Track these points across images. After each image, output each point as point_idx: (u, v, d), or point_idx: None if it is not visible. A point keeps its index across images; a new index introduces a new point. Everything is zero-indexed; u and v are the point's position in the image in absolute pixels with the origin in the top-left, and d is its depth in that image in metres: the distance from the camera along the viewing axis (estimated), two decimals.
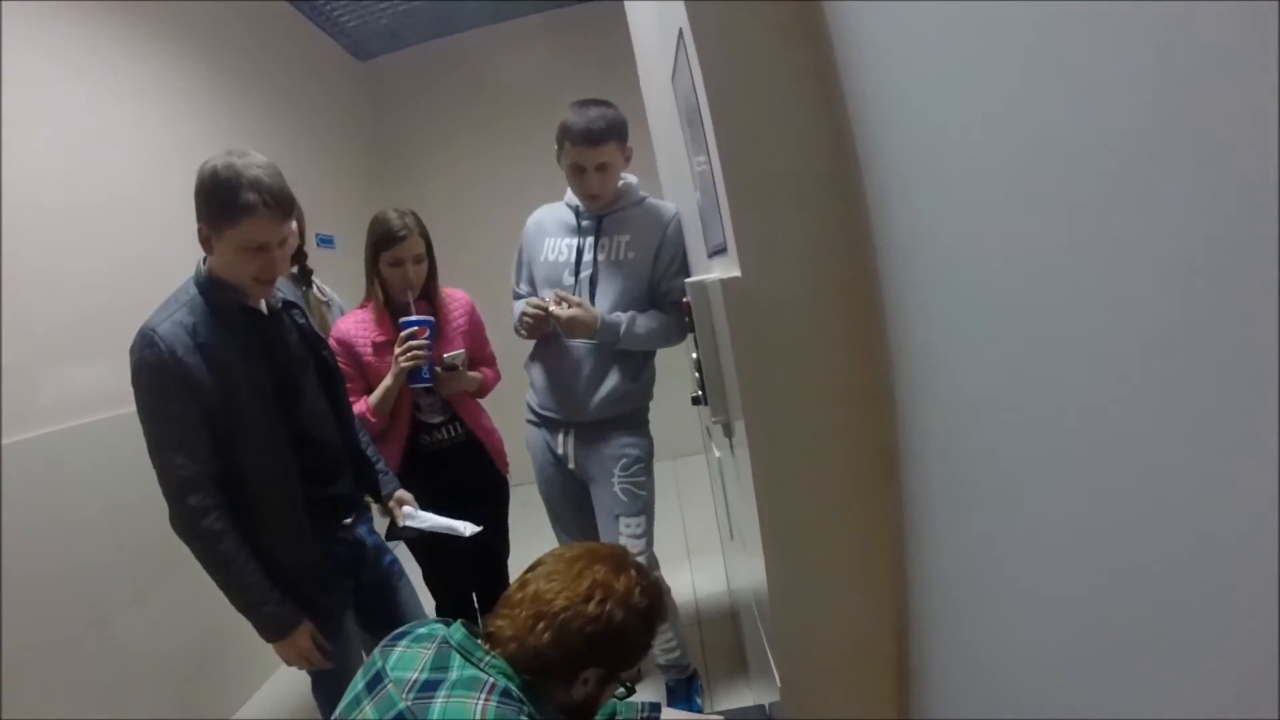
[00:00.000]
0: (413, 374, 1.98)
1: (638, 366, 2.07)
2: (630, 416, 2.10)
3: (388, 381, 1.99)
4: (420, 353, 1.95)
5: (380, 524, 1.96)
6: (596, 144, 1.90)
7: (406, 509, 1.87)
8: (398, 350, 1.95)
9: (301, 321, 1.71)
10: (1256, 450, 0.30)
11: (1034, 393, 0.51)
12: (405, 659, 1.11)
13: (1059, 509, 0.50)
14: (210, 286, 1.51)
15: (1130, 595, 0.43)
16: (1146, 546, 0.40)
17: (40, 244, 2.25)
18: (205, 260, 1.53)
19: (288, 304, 1.69)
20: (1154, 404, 0.37)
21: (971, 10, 0.48)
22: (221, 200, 1.41)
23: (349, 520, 1.77)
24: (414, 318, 1.98)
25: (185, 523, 1.47)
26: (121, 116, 2.71)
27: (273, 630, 1.54)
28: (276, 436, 1.56)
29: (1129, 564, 0.42)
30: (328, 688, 1.66)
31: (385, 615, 1.78)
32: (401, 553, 2.06)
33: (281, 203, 1.45)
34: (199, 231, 1.47)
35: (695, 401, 1.35)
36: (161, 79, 2.97)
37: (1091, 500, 0.45)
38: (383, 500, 1.90)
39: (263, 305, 1.60)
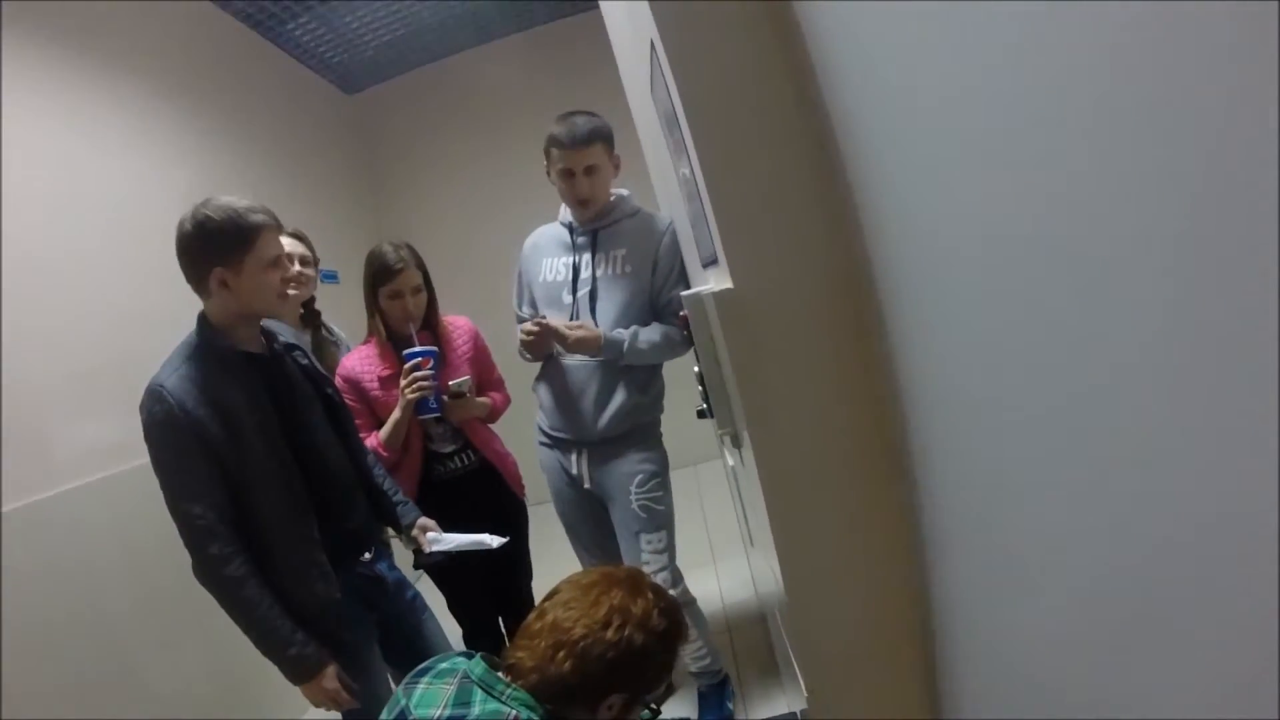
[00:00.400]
0: (420, 405, 1.98)
1: (646, 380, 2.06)
2: (642, 430, 2.09)
3: (396, 414, 1.99)
4: (425, 383, 1.95)
5: (403, 558, 1.96)
6: (583, 145, 1.90)
7: (430, 535, 1.87)
8: (403, 382, 1.95)
9: (305, 363, 1.73)
10: (1259, 442, 0.29)
11: (1031, 386, 0.50)
12: (428, 696, 1.11)
13: (1065, 500, 0.50)
14: (213, 335, 1.54)
15: (1144, 585, 0.42)
16: (1157, 536, 0.40)
17: (34, 298, 2.25)
18: (203, 313, 1.57)
19: (289, 346, 1.71)
20: (1153, 393, 0.37)
21: (955, 8, 0.47)
22: (234, 231, 1.47)
23: (368, 556, 1.77)
24: (417, 349, 1.98)
25: (208, 571, 1.49)
26: (110, 165, 2.71)
27: (299, 673, 1.54)
28: (289, 476, 1.58)
29: (1140, 554, 0.42)
30: (358, 716, 1.67)
31: (409, 649, 1.78)
32: (425, 586, 2.05)
33: (274, 215, 1.54)
34: (211, 282, 1.50)
35: (701, 415, 1.34)
36: (150, 127, 2.98)
37: (1098, 490, 0.45)
38: (405, 530, 1.89)
39: (261, 348, 1.63)
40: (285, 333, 1.74)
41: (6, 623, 1.91)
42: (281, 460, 1.57)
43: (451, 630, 2.22)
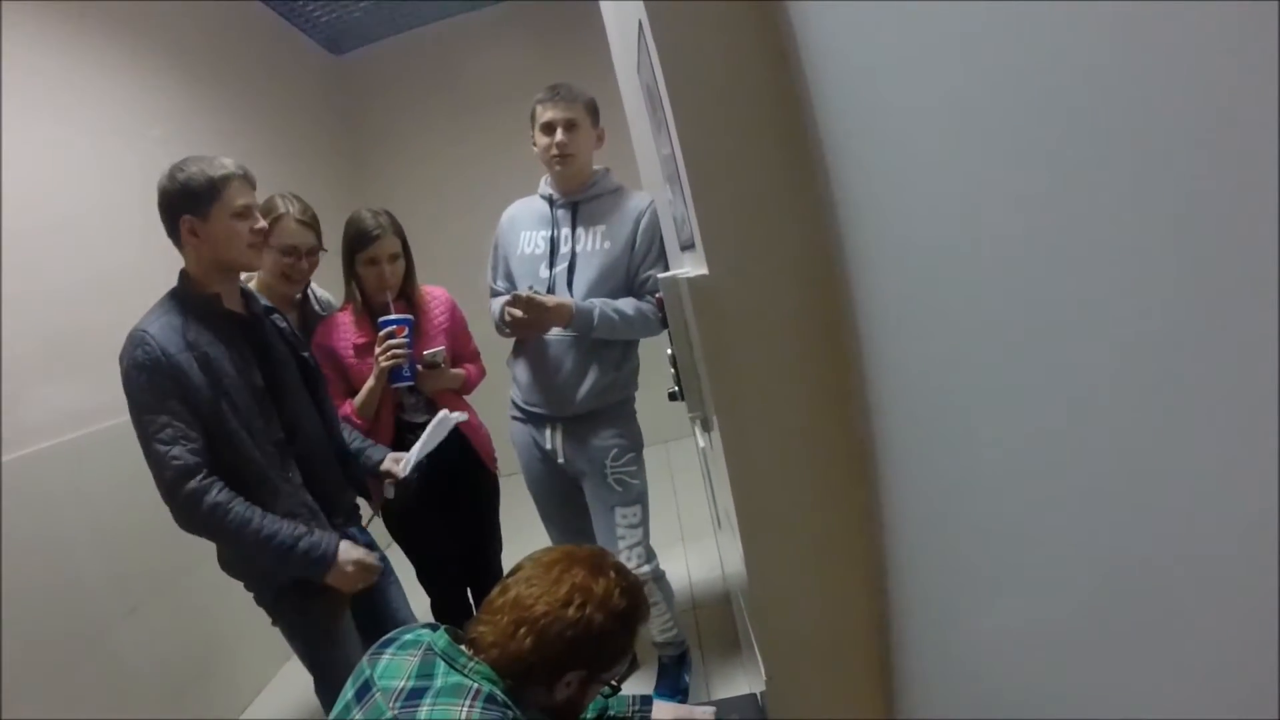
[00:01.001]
0: (393, 373, 1.97)
1: (620, 357, 2.07)
2: (616, 408, 2.10)
3: (370, 383, 1.99)
4: (399, 351, 1.94)
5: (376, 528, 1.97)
6: (565, 101, 1.92)
7: (393, 457, 1.91)
8: (378, 350, 1.94)
9: (282, 325, 1.75)
10: (1245, 445, 0.29)
11: (996, 385, 0.51)
12: (391, 667, 1.12)
13: (1024, 499, 0.51)
14: (192, 286, 1.58)
15: (1101, 586, 0.43)
16: (1116, 537, 0.40)
17: (16, 261, 2.21)
18: (184, 268, 1.60)
19: (268, 309, 1.73)
20: (1120, 392, 0.37)
21: (935, 5, 0.47)
22: (203, 182, 1.52)
23: (339, 521, 1.77)
24: (392, 316, 1.97)
25: (189, 508, 1.49)
26: (88, 125, 2.66)
27: (319, 561, 1.58)
28: (270, 427, 1.61)
29: (1098, 554, 0.42)
30: (331, 687, 1.67)
31: (373, 615, 1.80)
32: (394, 555, 2.06)
33: (246, 169, 1.60)
34: (181, 229, 1.55)
35: (673, 398, 1.35)
36: (133, 84, 2.91)
37: (1058, 490, 0.46)
38: (379, 472, 1.92)
39: (242, 308, 1.66)
40: (263, 299, 1.77)
41: None
42: (264, 411, 1.60)
43: (420, 601, 2.24)
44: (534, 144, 2.02)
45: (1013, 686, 0.61)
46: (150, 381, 1.47)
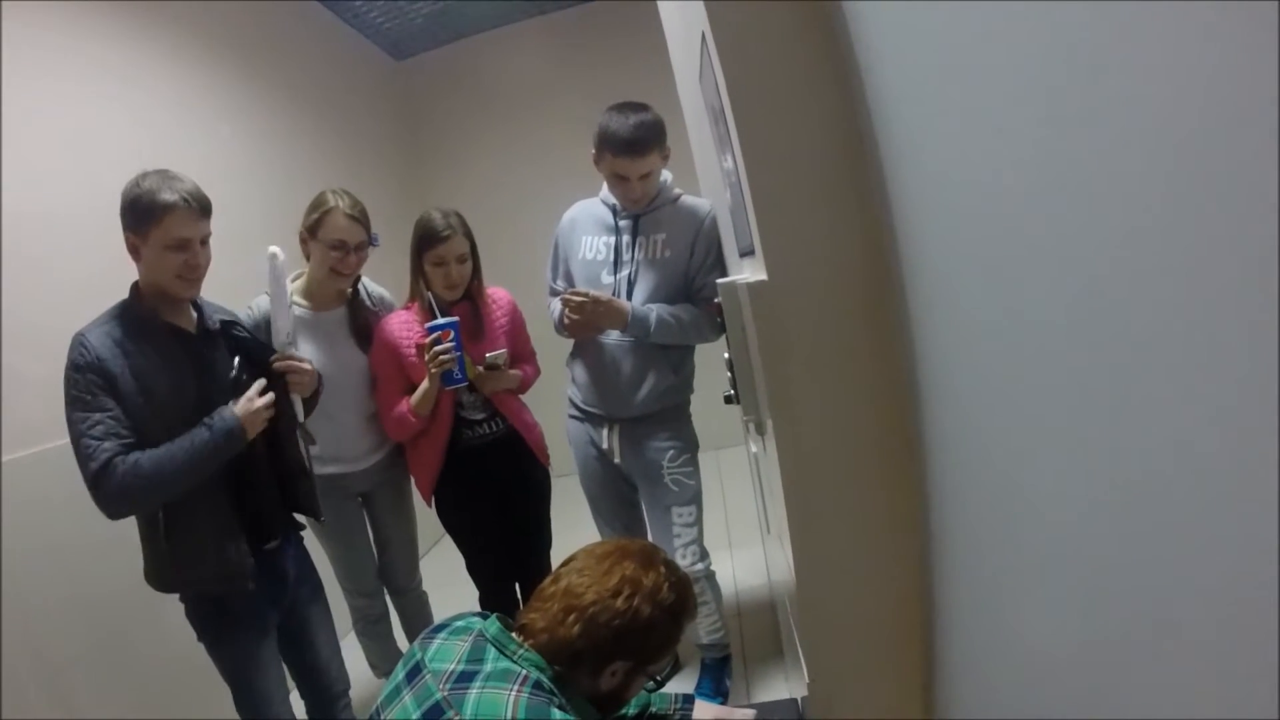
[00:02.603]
0: (445, 376, 2.01)
1: (678, 361, 2.11)
2: (673, 411, 2.14)
3: (425, 385, 2.04)
4: (446, 357, 1.98)
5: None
6: (640, 155, 1.92)
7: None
8: (426, 357, 1.99)
9: (243, 335, 1.77)
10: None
11: (1049, 391, 0.52)
12: (443, 651, 1.16)
13: (1074, 504, 0.51)
14: (137, 299, 1.62)
15: (1149, 590, 0.43)
16: (1166, 540, 0.40)
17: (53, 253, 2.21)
18: (135, 280, 1.64)
19: (226, 324, 1.75)
20: (1170, 398, 0.37)
21: (997, 10, 0.48)
22: (147, 205, 1.53)
23: (272, 545, 1.78)
24: (439, 321, 2.00)
25: (105, 483, 1.48)
26: (156, 127, 2.73)
27: (235, 434, 1.60)
28: None
29: (1148, 559, 0.42)
30: (248, 703, 1.75)
31: (293, 639, 1.85)
32: (444, 548, 2.08)
33: (199, 201, 1.58)
34: (126, 242, 1.58)
35: (728, 400, 1.37)
36: (203, 88, 3.02)
37: (1108, 495, 0.46)
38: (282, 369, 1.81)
39: (191, 325, 1.68)
40: (226, 313, 1.79)
41: None
42: (190, 425, 1.59)
43: (468, 594, 2.29)
44: (597, 165, 2.03)
45: (1058, 693, 0.61)
46: (82, 380, 1.50)
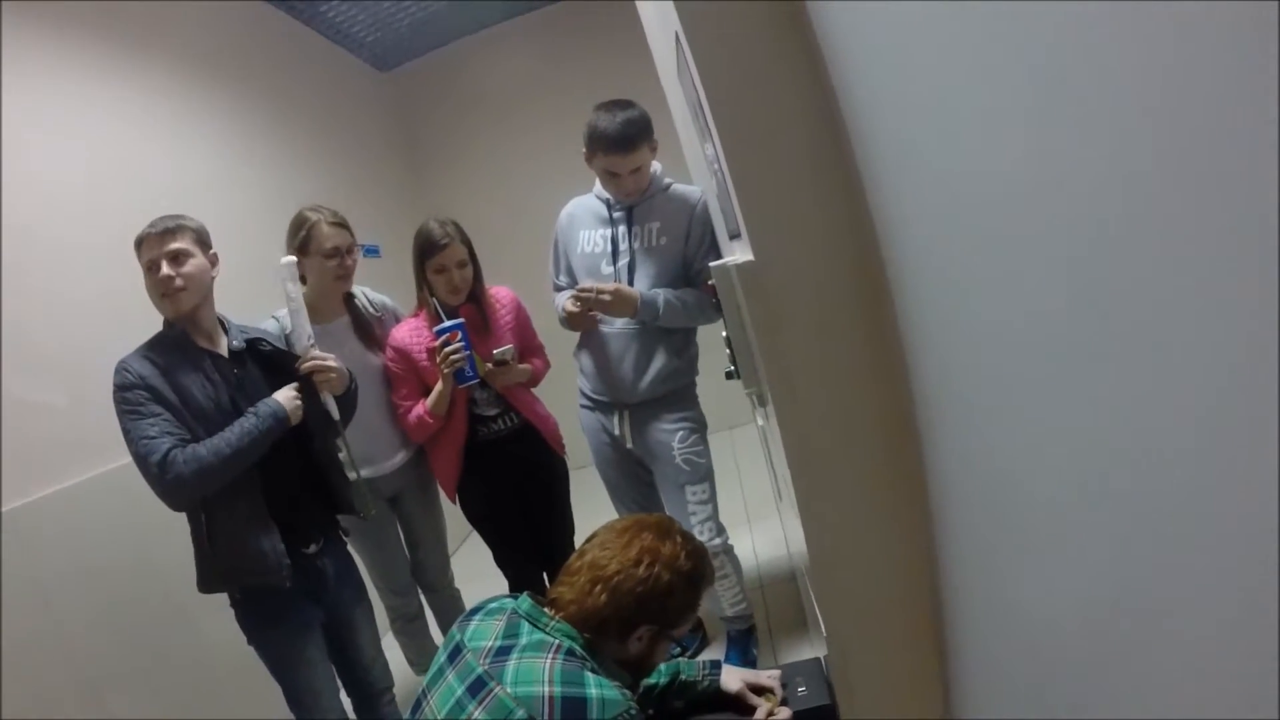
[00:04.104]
0: (458, 374, 2.09)
1: (681, 344, 2.19)
2: (680, 393, 2.21)
3: (439, 386, 2.13)
4: (456, 357, 2.06)
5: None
6: (630, 151, 1.99)
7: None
8: (437, 358, 2.07)
9: (268, 350, 1.89)
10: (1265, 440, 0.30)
11: (1038, 360, 0.53)
12: (480, 630, 1.24)
13: (1067, 472, 0.53)
14: (169, 329, 1.76)
15: (1144, 570, 0.44)
16: (1163, 523, 0.41)
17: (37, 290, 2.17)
18: None
19: (251, 341, 1.86)
20: (1164, 381, 0.37)
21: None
22: (137, 239, 1.72)
23: (313, 548, 1.89)
24: (445, 324, 2.09)
25: (168, 472, 1.60)
26: (144, 152, 2.72)
27: (278, 416, 1.75)
28: None
29: (1143, 540, 0.43)
30: (301, 704, 1.85)
31: (336, 638, 1.95)
32: (473, 544, 2.15)
33: (164, 227, 1.72)
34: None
35: (729, 376, 1.44)
36: (186, 112, 3.00)
37: (1099, 466, 0.47)
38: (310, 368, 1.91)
39: (222, 346, 1.81)
40: (253, 331, 1.90)
41: None
42: None
43: (498, 584, 2.36)
44: (589, 162, 2.10)
45: (1051, 650, 0.65)
46: (131, 397, 1.63)
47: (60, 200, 2.30)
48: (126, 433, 1.63)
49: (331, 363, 1.90)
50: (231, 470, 1.66)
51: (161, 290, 1.70)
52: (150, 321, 1.77)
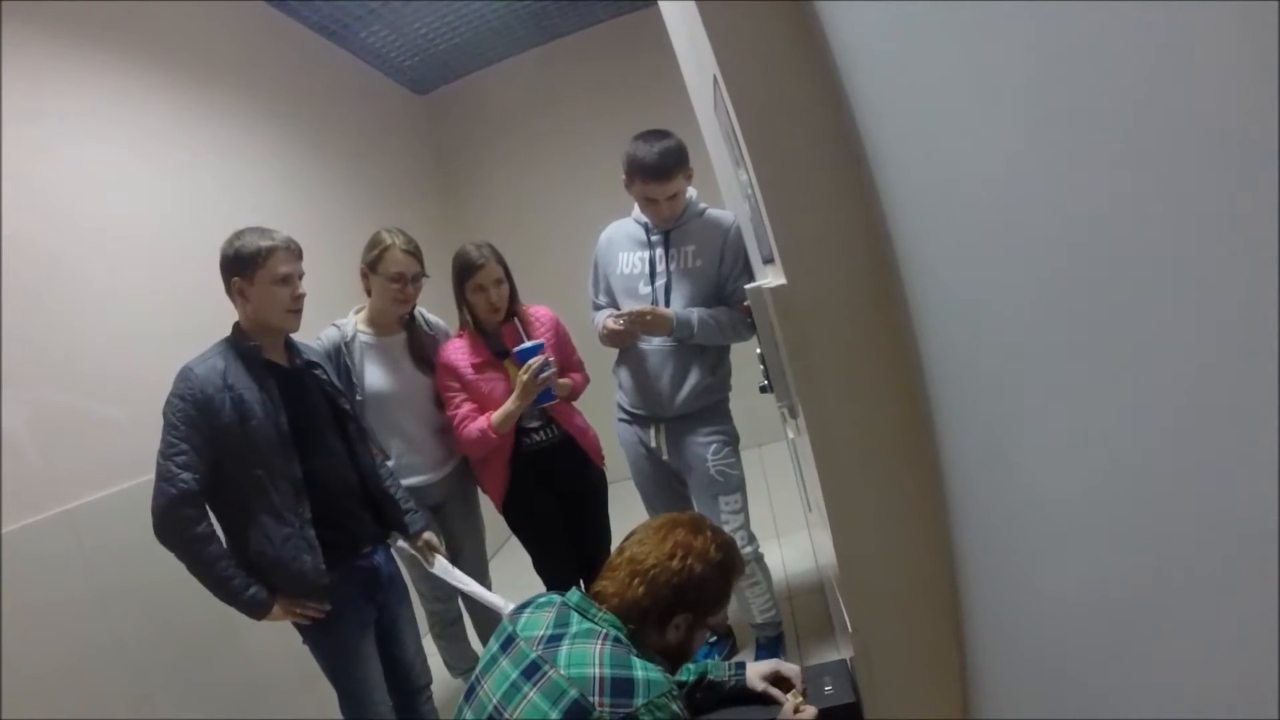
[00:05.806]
0: (542, 395, 2.22)
1: (715, 361, 2.30)
2: (714, 408, 2.32)
3: (510, 406, 2.22)
4: (546, 374, 2.19)
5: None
6: (666, 180, 2.12)
7: (441, 562, 2.17)
8: (524, 377, 2.17)
9: (323, 377, 1.99)
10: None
11: (1050, 375, 0.55)
12: (531, 622, 1.35)
13: (1074, 476, 0.56)
14: (240, 337, 1.83)
15: (1151, 572, 0.46)
16: (1169, 521, 0.42)
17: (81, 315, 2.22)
18: (237, 320, 1.87)
19: (310, 364, 1.97)
20: (1171, 383, 0.38)
21: (975, 31, 0.51)
22: (251, 251, 1.79)
23: (364, 553, 1.99)
24: (526, 345, 2.20)
25: (176, 528, 1.69)
26: (187, 177, 2.76)
27: (255, 610, 1.78)
28: (288, 463, 1.81)
29: (1151, 539, 0.45)
30: (354, 704, 1.94)
31: (384, 636, 2.06)
32: (511, 549, 2.23)
33: (292, 245, 1.85)
34: (233, 289, 1.82)
35: (763, 390, 1.53)
36: (229, 136, 3.05)
37: (1107, 469, 0.49)
38: (412, 538, 2.16)
39: (286, 361, 1.90)
40: (312, 353, 2.01)
41: None
42: (284, 451, 1.80)
43: (534, 588, 2.45)
44: (628, 189, 2.22)
45: (1068, 641, 0.68)
46: (185, 409, 1.69)
47: (109, 232, 2.37)
48: (163, 439, 1.71)
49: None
50: (192, 569, 1.72)
51: (295, 306, 1.82)
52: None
